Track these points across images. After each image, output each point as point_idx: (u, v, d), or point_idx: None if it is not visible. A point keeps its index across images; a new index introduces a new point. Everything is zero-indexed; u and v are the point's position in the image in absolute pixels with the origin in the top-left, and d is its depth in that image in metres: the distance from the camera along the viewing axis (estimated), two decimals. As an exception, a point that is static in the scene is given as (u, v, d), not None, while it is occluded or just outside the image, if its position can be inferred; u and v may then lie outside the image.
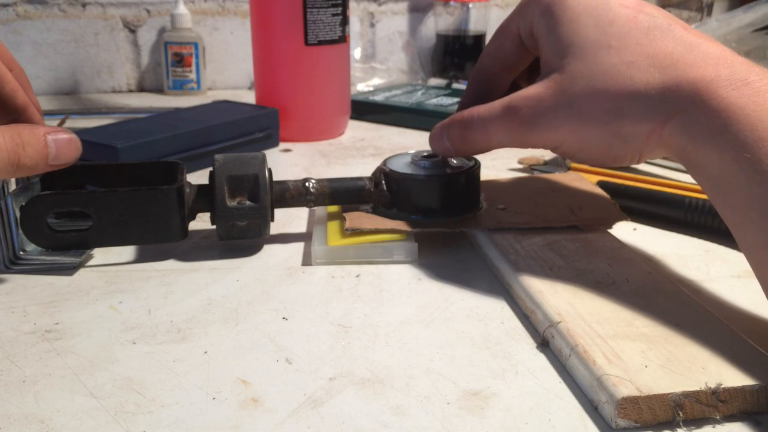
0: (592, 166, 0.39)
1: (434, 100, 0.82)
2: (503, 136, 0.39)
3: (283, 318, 0.36)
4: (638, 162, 0.37)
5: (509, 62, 0.42)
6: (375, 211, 0.46)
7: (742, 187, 0.30)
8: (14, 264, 0.42)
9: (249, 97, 0.88)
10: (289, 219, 0.50)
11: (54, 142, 0.38)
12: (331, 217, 0.46)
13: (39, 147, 0.37)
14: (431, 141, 0.44)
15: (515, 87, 0.43)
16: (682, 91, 0.32)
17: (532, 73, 0.43)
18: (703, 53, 0.33)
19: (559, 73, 0.36)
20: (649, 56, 0.34)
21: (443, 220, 0.44)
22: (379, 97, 0.84)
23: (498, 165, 0.63)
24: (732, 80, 0.31)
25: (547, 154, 0.65)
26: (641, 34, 0.34)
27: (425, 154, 0.46)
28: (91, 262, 0.43)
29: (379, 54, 1.08)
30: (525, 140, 0.39)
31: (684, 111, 0.32)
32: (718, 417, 0.27)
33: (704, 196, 0.48)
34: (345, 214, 0.45)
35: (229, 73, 1.04)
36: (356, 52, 1.04)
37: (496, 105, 0.39)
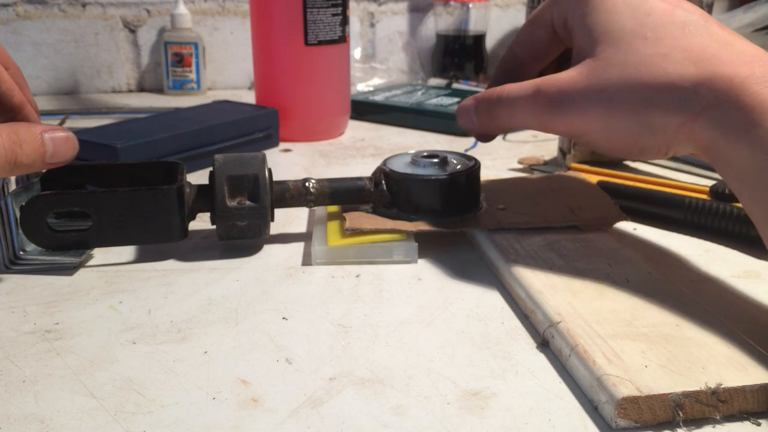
0: (618, 157, 0.39)
1: (434, 100, 0.82)
2: (529, 117, 0.39)
3: (283, 318, 0.36)
4: (664, 156, 0.36)
5: (540, 51, 0.43)
6: (375, 211, 0.46)
7: None
8: (14, 264, 0.42)
9: (249, 97, 0.88)
10: (289, 219, 0.50)
11: (51, 140, 0.38)
12: (331, 217, 0.46)
13: (36, 145, 0.37)
14: (459, 114, 0.44)
15: None
16: (716, 86, 0.32)
17: (561, 65, 0.43)
18: (738, 51, 0.33)
19: (592, 59, 0.36)
20: (684, 50, 0.34)
21: (443, 220, 0.44)
22: (379, 97, 0.84)
23: (498, 165, 0.63)
24: (766, 78, 0.31)
25: (547, 154, 0.65)
26: (677, 28, 0.35)
27: (425, 154, 0.46)
28: (91, 262, 0.43)
29: (379, 54, 1.08)
30: (550, 123, 0.39)
31: (717, 105, 0.32)
32: (718, 417, 0.27)
33: (704, 196, 0.48)
34: (345, 214, 0.45)
35: (229, 73, 1.04)
36: (356, 52, 1.04)
37: (527, 84, 0.39)
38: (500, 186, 0.50)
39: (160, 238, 0.42)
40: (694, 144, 0.34)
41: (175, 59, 0.97)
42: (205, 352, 0.33)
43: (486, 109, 0.42)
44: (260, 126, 0.68)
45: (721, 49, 0.33)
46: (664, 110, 0.34)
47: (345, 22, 0.70)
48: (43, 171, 0.44)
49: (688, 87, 0.33)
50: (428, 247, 0.44)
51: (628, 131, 0.36)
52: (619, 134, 0.36)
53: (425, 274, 0.41)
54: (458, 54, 1.04)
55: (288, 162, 0.66)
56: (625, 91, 0.35)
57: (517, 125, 0.41)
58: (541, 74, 0.44)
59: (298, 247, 0.45)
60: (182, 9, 0.95)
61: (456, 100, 0.82)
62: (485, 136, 0.45)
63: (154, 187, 0.41)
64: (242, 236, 0.43)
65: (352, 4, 1.05)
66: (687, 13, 0.35)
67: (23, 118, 0.40)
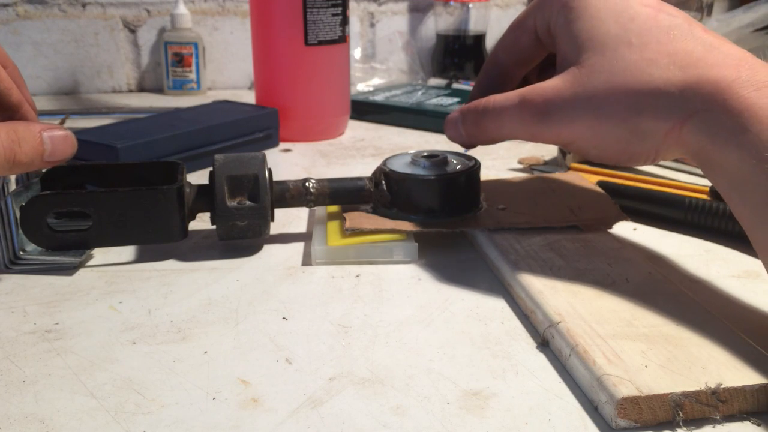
0: (606, 163, 0.39)
1: (434, 100, 0.82)
2: (516, 126, 0.39)
3: (283, 318, 0.36)
4: (653, 162, 0.36)
5: (523, 57, 0.42)
6: (375, 211, 0.46)
7: (761, 187, 0.30)
8: (14, 264, 0.42)
9: (249, 97, 0.88)
10: (289, 219, 0.50)
11: (49, 138, 0.38)
12: (331, 217, 0.46)
13: (35, 144, 0.37)
14: (446, 126, 0.44)
15: (525, 83, 0.43)
16: (703, 90, 0.32)
17: (543, 70, 0.43)
18: (724, 54, 0.33)
19: (577, 67, 0.36)
20: (669, 54, 0.34)
21: (443, 220, 0.44)
22: (379, 97, 0.84)
23: (498, 165, 0.63)
24: (753, 81, 0.31)
25: (547, 154, 0.65)
26: (662, 33, 0.34)
27: (425, 154, 0.46)
28: (91, 262, 0.43)
29: (379, 54, 1.08)
30: (538, 132, 0.38)
31: (704, 110, 0.32)
32: (718, 417, 0.27)
33: (704, 196, 0.48)
34: (345, 214, 0.45)
35: (229, 73, 1.04)
36: (356, 52, 1.04)
37: (513, 94, 0.39)
38: (500, 186, 0.50)
39: (160, 238, 0.42)
40: (683, 149, 0.34)
41: (175, 59, 0.97)
42: (205, 352, 0.33)
43: (473, 120, 0.42)
44: (260, 126, 0.68)
45: (707, 53, 0.33)
46: (652, 116, 0.34)
47: (345, 22, 0.70)
48: (43, 170, 0.44)
49: (675, 92, 0.33)
50: (428, 247, 0.44)
51: (617, 138, 0.35)
52: (608, 141, 0.36)
53: (425, 274, 0.41)
54: (458, 54, 1.04)
55: (288, 162, 0.66)
56: (612, 99, 0.35)
57: (506, 136, 0.41)
58: (524, 79, 0.44)
59: (298, 247, 0.45)
60: (182, 9, 0.95)
61: (456, 100, 0.82)
62: (472, 146, 0.45)
63: (154, 187, 0.41)
64: (242, 236, 0.43)
65: (352, 4, 1.05)
66: (671, 18, 0.35)
67: (21, 117, 0.40)
